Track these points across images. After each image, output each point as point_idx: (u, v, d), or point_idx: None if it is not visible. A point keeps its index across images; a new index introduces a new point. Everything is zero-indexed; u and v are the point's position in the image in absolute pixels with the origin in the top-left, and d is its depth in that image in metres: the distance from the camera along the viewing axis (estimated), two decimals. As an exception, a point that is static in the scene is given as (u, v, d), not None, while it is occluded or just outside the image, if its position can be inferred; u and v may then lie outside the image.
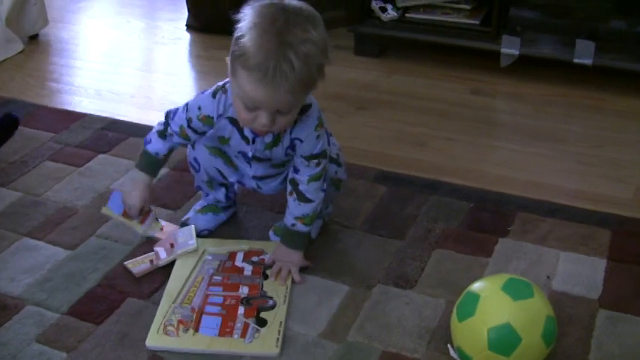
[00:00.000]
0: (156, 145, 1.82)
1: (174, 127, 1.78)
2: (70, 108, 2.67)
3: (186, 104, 1.76)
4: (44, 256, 1.89)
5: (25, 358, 1.59)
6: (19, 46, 3.12)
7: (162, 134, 1.81)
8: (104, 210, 1.91)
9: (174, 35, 3.26)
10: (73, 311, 1.72)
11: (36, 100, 2.73)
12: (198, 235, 1.89)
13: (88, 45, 3.27)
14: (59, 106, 2.69)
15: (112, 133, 2.44)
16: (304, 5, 1.55)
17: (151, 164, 1.84)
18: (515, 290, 1.48)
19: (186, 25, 3.26)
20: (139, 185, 1.85)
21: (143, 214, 1.89)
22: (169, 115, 1.79)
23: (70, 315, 1.71)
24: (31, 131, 2.47)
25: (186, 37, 3.22)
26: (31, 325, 1.68)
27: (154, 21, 3.45)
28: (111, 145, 2.37)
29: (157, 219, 1.93)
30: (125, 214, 1.89)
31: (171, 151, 1.84)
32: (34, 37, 3.23)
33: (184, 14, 3.30)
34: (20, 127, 2.47)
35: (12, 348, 1.61)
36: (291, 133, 1.70)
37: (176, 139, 1.80)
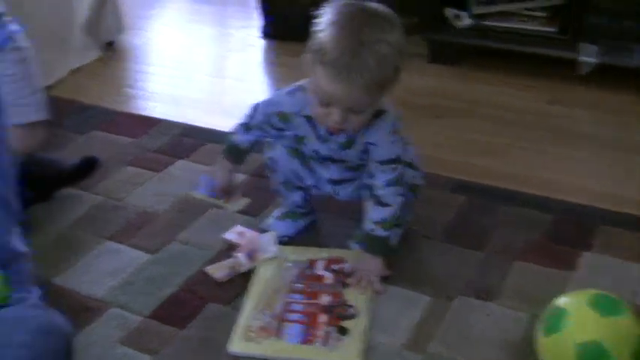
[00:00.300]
0: (239, 137, 1.86)
1: (255, 120, 1.83)
2: (147, 113, 2.70)
3: (268, 99, 1.83)
4: (126, 260, 1.92)
5: (111, 359, 1.62)
6: (96, 53, 3.18)
7: (245, 127, 1.85)
8: (193, 193, 1.95)
9: (247, 42, 3.27)
10: (155, 315, 1.74)
11: (113, 106, 2.77)
12: (278, 241, 1.89)
13: (161, 51, 3.31)
14: (136, 112, 2.74)
15: (189, 139, 2.46)
16: (383, 7, 1.60)
17: (234, 153, 1.87)
18: (604, 306, 1.45)
19: (260, 32, 3.28)
20: (223, 169, 1.87)
21: (229, 195, 1.91)
22: (253, 108, 1.84)
23: (152, 319, 1.73)
24: (110, 137, 2.52)
25: (259, 44, 3.23)
26: (114, 328, 1.71)
27: (226, 28, 3.47)
28: (188, 151, 2.40)
29: (242, 196, 1.95)
30: (213, 196, 1.91)
31: (253, 144, 1.86)
32: (109, 44, 3.28)
33: (255, 22, 3.32)
34: (100, 133, 2.53)
35: (97, 349, 1.64)
36: (364, 136, 1.72)
37: (257, 132, 1.84)
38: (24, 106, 1.47)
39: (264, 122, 1.82)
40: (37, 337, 1.28)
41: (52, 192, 2.15)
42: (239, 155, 1.87)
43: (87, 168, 2.19)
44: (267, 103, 1.82)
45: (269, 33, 3.24)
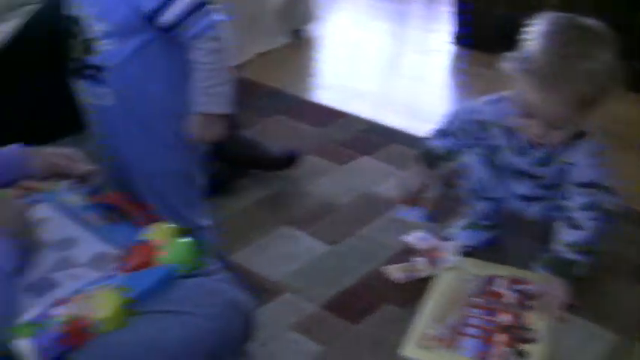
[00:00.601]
0: (435, 142, 1.83)
1: (453, 126, 1.80)
2: (331, 105, 2.71)
3: (469, 106, 1.80)
4: (304, 247, 1.93)
5: (281, 343, 1.63)
6: (284, 40, 3.21)
7: (443, 132, 1.82)
8: (400, 216, 1.92)
9: (431, 45, 3.23)
10: (330, 306, 1.74)
11: (298, 94, 2.80)
12: (460, 252, 1.85)
13: (343, 44, 3.31)
14: (319, 102, 2.75)
15: (375, 137, 2.45)
16: (598, 24, 1.56)
17: (428, 157, 1.84)
18: None
19: (451, 38, 3.22)
20: (416, 174, 1.85)
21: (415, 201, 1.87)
22: (453, 114, 1.82)
23: (327, 309, 1.73)
24: (295, 123, 2.55)
25: (446, 49, 3.18)
26: (288, 312, 1.72)
27: (413, 29, 3.45)
28: (374, 148, 2.39)
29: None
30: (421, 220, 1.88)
31: (449, 151, 1.82)
32: (297, 32, 3.32)
33: (443, 25, 3.27)
34: (284, 118, 2.56)
35: (268, 331, 1.64)
36: (564, 155, 1.67)
37: (453, 139, 1.80)
38: (210, 95, 1.49)
39: (461, 129, 1.78)
40: (223, 311, 1.29)
41: (247, 171, 2.19)
42: (433, 161, 1.84)
43: (288, 161, 2.21)
44: (467, 110, 1.79)
45: (462, 40, 3.18)
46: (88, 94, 1.59)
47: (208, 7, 1.47)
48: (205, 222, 1.73)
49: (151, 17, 1.46)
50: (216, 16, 1.48)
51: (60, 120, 1.88)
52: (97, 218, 1.37)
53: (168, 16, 1.44)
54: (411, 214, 1.86)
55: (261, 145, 2.22)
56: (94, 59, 1.52)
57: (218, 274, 1.40)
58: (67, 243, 1.32)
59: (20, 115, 1.92)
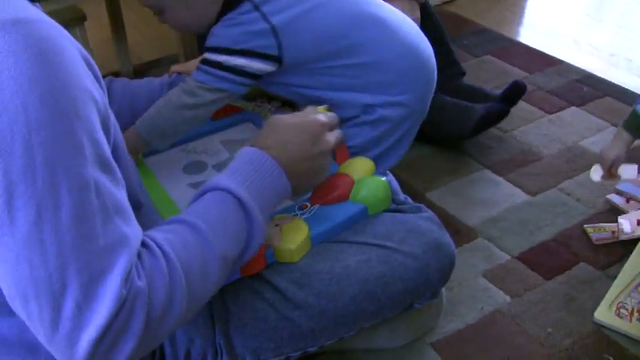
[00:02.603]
0: None
1: None
2: (545, 51, 2.61)
3: None
4: (502, 194, 1.89)
5: (471, 289, 1.62)
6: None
7: None
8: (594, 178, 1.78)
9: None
10: (523, 258, 1.70)
11: (511, 35, 2.72)
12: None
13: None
14: (534, 46, 2.65)
15: (588, 88, 2.34)
16: None
17: (634, 125, 1.72)
18: None
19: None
20: (617, 141, 1.73)
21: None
22: None
23: (520, 260, 1.69)
24: (504, 65, 2.47)
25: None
26: (480, 259, 1.70)
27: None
28: (584, 99, 2.28)
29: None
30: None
31: None
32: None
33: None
34: (494, 59, 2.49)
35: (459, 275, 1.64)
36: None
37: None
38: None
39: None
40: (427, 251, 1.29)
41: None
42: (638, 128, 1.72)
43: (517, 92, 2.03)
44: None
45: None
46: None
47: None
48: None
49: None
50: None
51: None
52: None
53: None
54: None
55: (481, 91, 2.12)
56: None
57: (427, 214, 1.39)
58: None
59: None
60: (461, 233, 1.76)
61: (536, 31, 2.80)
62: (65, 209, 0.77)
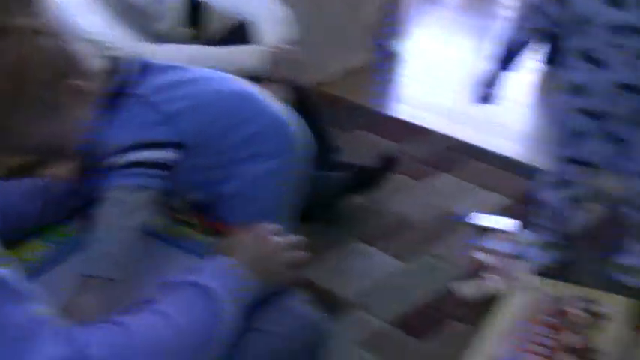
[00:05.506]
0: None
1: None
2: (411, 120, 2.72)
3: None
4: (375, 264, 1.95)
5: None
6: (370, 55, 3.23)
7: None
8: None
9: (526, 64, 3.16)
10: (398, 323, 1.74)
11: (380, 109, 2.83)
12: (531, 270, 1.83)
13: (426, 60, 3.31)
14: (400, 117, 2.76)
15: (454, 154, 2.45)
16: None
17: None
18: None
19: (542, 57, 3.14)
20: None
21: None
22: None
23: (395, 326, 1.74)
24: (375, 138, 2.56)
25: (537, 67, 3.12)
26: (357, 328, 1.73)
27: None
28: (453, 165, 2.39)
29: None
30: None
31: None
32: (382, 47, 3.31)
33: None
34: (364, 133, 2.57)
35: (338, 346, 1.64)
36: None
37: None
38: None
39: None
40: (295, 329, 1.29)
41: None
42: None
43: (388, 164, 2.10)
44: None
45: (553, 60, 3.09)
46: None
47: None
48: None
49: None
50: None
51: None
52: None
53: None
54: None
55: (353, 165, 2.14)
56: None
57: (289, 291, 1.39)
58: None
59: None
60: (338, 306, 1.80)
61: (405, 102, 2.91)
62: None
